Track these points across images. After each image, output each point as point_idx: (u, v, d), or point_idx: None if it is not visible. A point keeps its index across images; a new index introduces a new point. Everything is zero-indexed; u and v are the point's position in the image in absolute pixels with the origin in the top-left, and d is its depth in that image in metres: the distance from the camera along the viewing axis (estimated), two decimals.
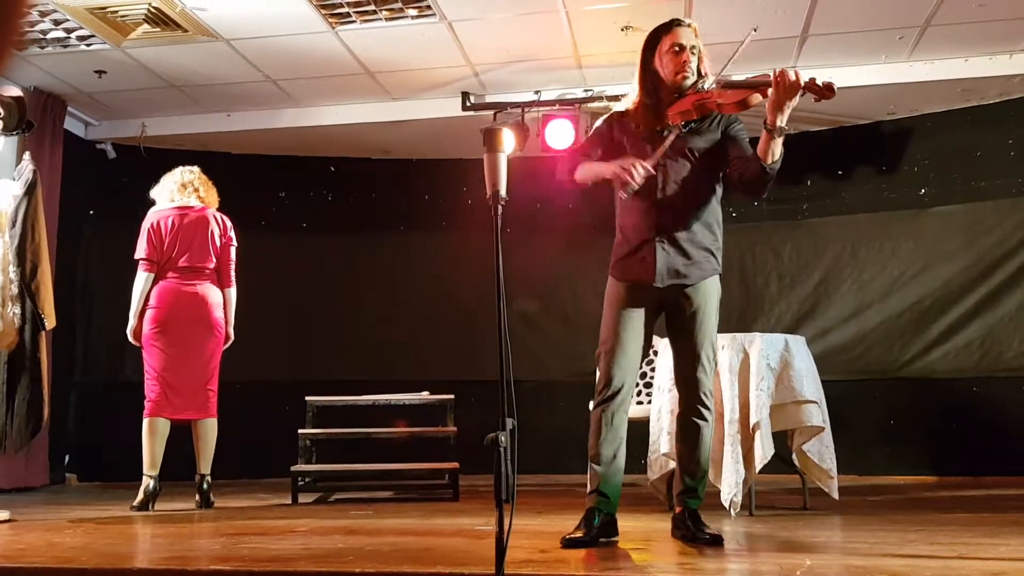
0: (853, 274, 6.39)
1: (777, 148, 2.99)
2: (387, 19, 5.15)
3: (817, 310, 6.42)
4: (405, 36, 5.35)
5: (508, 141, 2.66)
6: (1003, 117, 6.06)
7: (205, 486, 4.63)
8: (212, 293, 4.76)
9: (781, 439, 4.06)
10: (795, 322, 6.38)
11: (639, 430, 4.48)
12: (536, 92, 6.15)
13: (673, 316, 3.20)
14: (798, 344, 4.11)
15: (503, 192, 2.59)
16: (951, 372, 6.03)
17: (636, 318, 3.17)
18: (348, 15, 5.10)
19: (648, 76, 3.20)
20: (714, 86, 3.09)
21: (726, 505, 3.83)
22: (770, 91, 2.93)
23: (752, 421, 3.87)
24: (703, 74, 3.17)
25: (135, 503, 4.45)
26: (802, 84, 2.88)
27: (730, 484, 3.82)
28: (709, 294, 3.18)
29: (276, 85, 6.08)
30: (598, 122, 3.36)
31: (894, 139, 6.40)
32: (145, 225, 4.73)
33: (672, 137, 3.08)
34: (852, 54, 5.65)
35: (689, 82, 3.13)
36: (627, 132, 3.22)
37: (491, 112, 6.19)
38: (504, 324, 2.47)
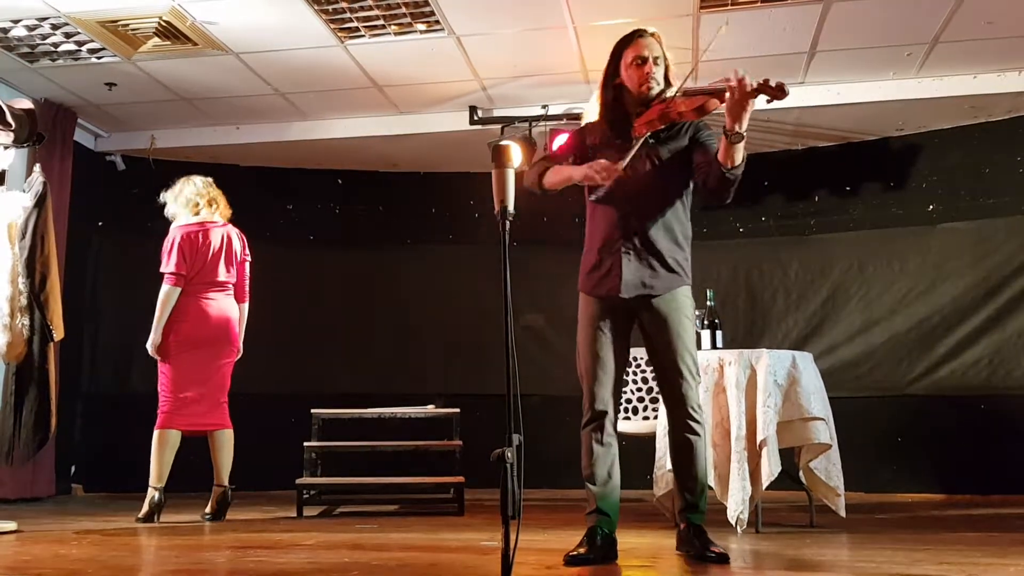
0: (860, 290, 6.38)
1: (737, 154, 2.99)
2: (396, 34, 5.18)
3: (824, 326, 6.41)
4: (414, 50, 5.38)
5: (516, 156, 2.67)
6: (1012, 134, 6.05)
7: (227, 497, 4.64)
8: (233, 309, 4.83)
9: (788, 456, 4.04)
10: (802, 338, 6.37)
11: (645, 445, 4.47)
12: (544, 106, 6.16)
13: (646, 330, 3.19)
14: (805, 361, 4.09)
15: (511, 207, 2.60)
16: (959, 389, 6.00)
17: (610, 333, 3.17)
18: (357, 29, 5.12)
19: (610, 89, 3.22)
20: (678, 94, 3.07)
21: (732, 522, 3.82)
22: (727, 96, 2.94)
23: (759, 438, 3.85)
24: (670, 83, 3.17)
25: (140, 515, 4.46)
26: (754, 87, 2.89)
27: (736, 501, 3.81)
28: (680, 304, 3.16)
29: (285, 98, 6.11)
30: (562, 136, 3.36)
31: (902, 155, 6.40)
32: (174, 239, 4.71)
33: (638, 146, 3.09)
34: (860, 70, 5.66)
35: (654, 92, 3.15)
36: (597, 143, 3.24)
37: (499, 126, 6.21)
38: (511, 338, 2.47)
